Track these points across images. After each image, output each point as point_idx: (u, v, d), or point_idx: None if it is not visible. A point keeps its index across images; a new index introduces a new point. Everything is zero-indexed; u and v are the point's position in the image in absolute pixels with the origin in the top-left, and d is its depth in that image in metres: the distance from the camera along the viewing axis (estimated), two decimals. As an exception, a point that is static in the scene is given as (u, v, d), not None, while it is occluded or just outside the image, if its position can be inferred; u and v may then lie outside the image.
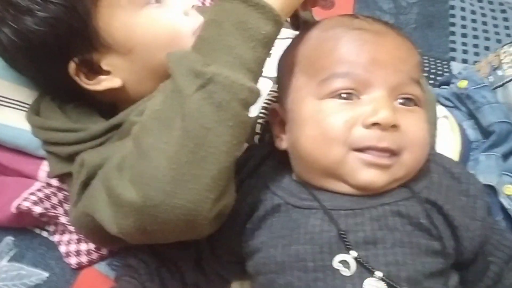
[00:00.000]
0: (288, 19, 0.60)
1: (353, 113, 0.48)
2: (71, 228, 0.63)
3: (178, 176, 0.44)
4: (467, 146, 0.68)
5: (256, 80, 0.47)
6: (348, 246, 0.46)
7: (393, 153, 0.48)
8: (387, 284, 0.44)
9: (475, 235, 0.50)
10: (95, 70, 0.60)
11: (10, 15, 0.56)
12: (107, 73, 0.61)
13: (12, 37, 0.57)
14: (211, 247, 0.58)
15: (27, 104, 0.67)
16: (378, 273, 0.45)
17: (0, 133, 0.65)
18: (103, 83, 0.61)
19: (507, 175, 0.62)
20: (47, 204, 0.63)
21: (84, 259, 0.63)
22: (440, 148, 0.65)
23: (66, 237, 0.64)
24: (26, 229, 0.66)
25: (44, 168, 0.66)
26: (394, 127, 0.47)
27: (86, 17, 0.57)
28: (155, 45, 0.61)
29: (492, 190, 0.61)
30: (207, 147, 0.44)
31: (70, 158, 0.61)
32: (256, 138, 0.63)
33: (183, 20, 0.63)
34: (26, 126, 0.65)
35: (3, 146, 0.66)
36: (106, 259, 0.65)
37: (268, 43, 0.47)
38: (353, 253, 0.46)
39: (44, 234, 0.66)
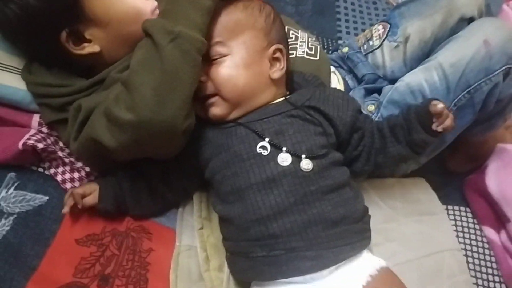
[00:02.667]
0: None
1: None
2: (66, 160, 0.82)
3: (160, 100, 0.66)
4: (348, 91, 0.98)
5: (204, 36, 0.71)
6: (263, 137, 0.72)
7: (213, 95, 0.75)
8: (292, 154, 0.71)
9: (346, 122, 0.76)
10: (80, 39, 0.79)
11: None
12: (89, 41, 0.79)
13: (17, 11, 0.73)
14: (178, 164, 0.81)
15: (19, 68, 0.83)
16: (284, 148, 0.71)
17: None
18: (86, 49, 0.80)
19: (370, 100, 0.92)
20: (45, 143, 0.81)
21: (77, 184, 0.82)
22: (331, 90, 0.93)
23: (60, 169, 0.82)
24: (25, 167, 0.83)
25: (35, 119, 0.84)
26: (202, 82, 0.74)
27: None
28: (125, 20, 0.80)
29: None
30: (178, 79, 0.67)
31: (61, 108, 0.80)
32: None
33: (144, 2, 0.83)
34: (20, 85, 0.82)
35: (1, 102, 0.82)
36: (93, 184, 0.85)
37: (210, 12, 0.72)
38: (267, 139, 0.72)
39: (40, 170, 0.84)
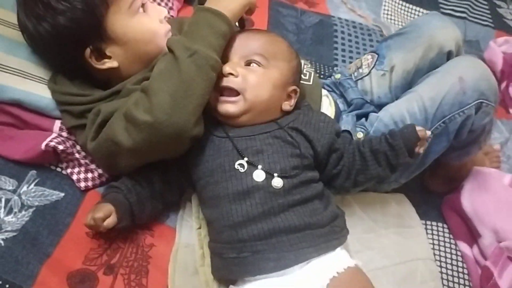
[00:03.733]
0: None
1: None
2: (82, 161, 0.92)
3: (175, 104, 0.76)
4: (338, 113, 1.07)
5: (219, 56, 0.82)
6: (242, 155, 0.82)
7: (237, 92, 0.83)
8: (265, 172, 0.80)
9: (324, 144, 0.85)
10: (101, 55, 0.89)
11: (49, 14, 0.83)
12: (109, 57, 0.90)
13: (48, 29, 0.84)
14: (176, 162, 0.89)
15: (45, 79, 0.94)
16: (260, 166, 0.80)
17: (27, 98, 0.91)
18: (106, 64, 0.90)
19: (359, 127, 1.02)
20: (64, 145, 0.90)
21: (90, 183, 0.92)
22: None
23: (76, 169, 0.92)
24: (44, 166, 0.92)
25: (57, 124, 0.93)
26: (231, 74, 0.83)
27: (100, 19, 0.85)
28: (141, 40, 0.91)
29: (349, 133, 1.00)
30: (192, 89, 0.77)
31: (80, 115, 0.90)
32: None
33: (159, 25, 0.95)
34: (45, 94, 0.92)
35: (27, 108, 0.92)
36: (104, 185, 0.94)
37: (225, 36, 0.83)
38: (246, 158, 0.81)
39: (58, 169, 0.93)
